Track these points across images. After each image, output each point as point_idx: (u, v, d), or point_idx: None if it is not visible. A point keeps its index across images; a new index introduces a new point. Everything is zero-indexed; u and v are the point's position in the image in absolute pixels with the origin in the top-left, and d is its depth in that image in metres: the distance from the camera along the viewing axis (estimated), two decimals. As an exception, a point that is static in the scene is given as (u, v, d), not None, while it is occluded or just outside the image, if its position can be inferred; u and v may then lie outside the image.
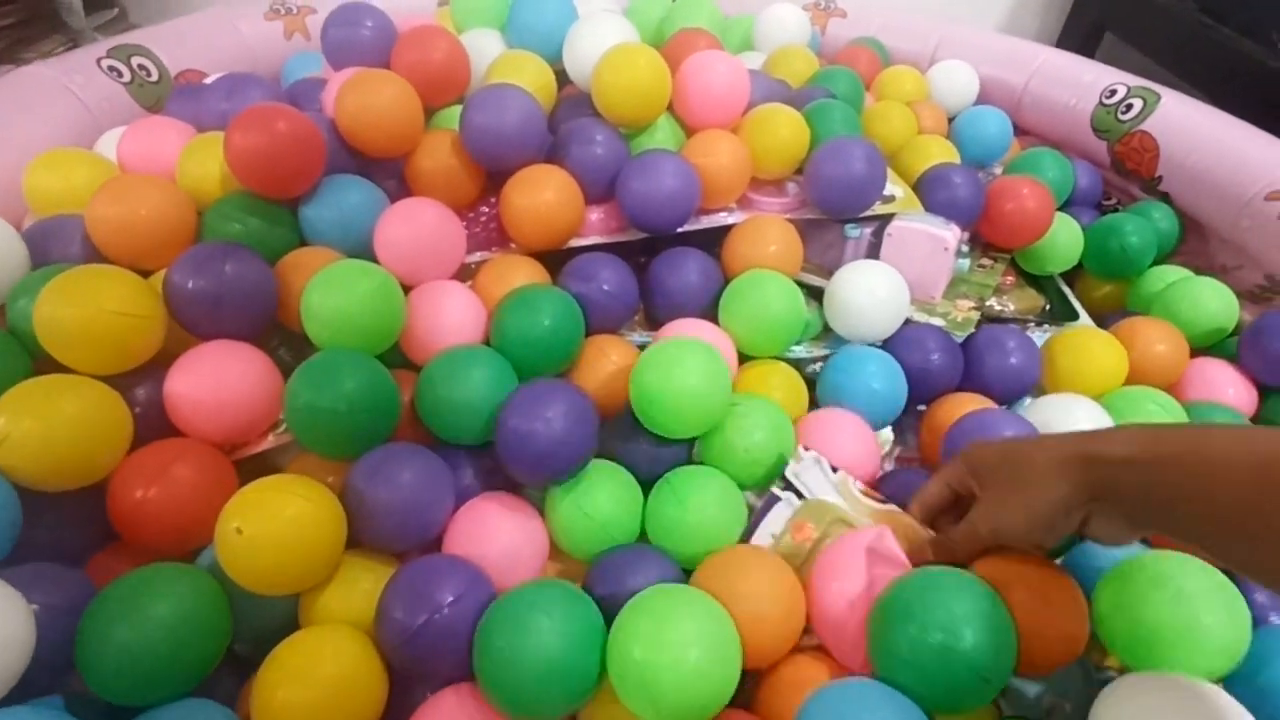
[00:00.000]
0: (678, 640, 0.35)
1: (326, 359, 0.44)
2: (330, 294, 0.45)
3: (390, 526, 0.41)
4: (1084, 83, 0.81)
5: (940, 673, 0.34)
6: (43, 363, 0.45)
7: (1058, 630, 0.36)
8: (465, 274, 0.56)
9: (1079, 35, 1.06)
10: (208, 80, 0.75)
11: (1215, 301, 0.62)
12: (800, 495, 0.46)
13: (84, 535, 0.43)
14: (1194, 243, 0.76)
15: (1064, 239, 0.70)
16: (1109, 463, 0.33)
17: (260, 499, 0.38)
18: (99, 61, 0.71)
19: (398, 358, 0.50)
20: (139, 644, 0.35)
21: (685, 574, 0.43)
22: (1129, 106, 0.77)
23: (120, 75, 0.72)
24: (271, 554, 0.37)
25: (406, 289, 0.50)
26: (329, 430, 0.42)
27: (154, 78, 0.75)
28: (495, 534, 0.43)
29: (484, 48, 0.66)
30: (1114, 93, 0.79)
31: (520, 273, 0.54)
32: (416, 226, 0.51)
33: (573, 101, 0.65)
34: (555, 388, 0.44)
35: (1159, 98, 0.76)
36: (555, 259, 0.56)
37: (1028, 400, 0.58)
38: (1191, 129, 0.73)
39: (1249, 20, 0.80)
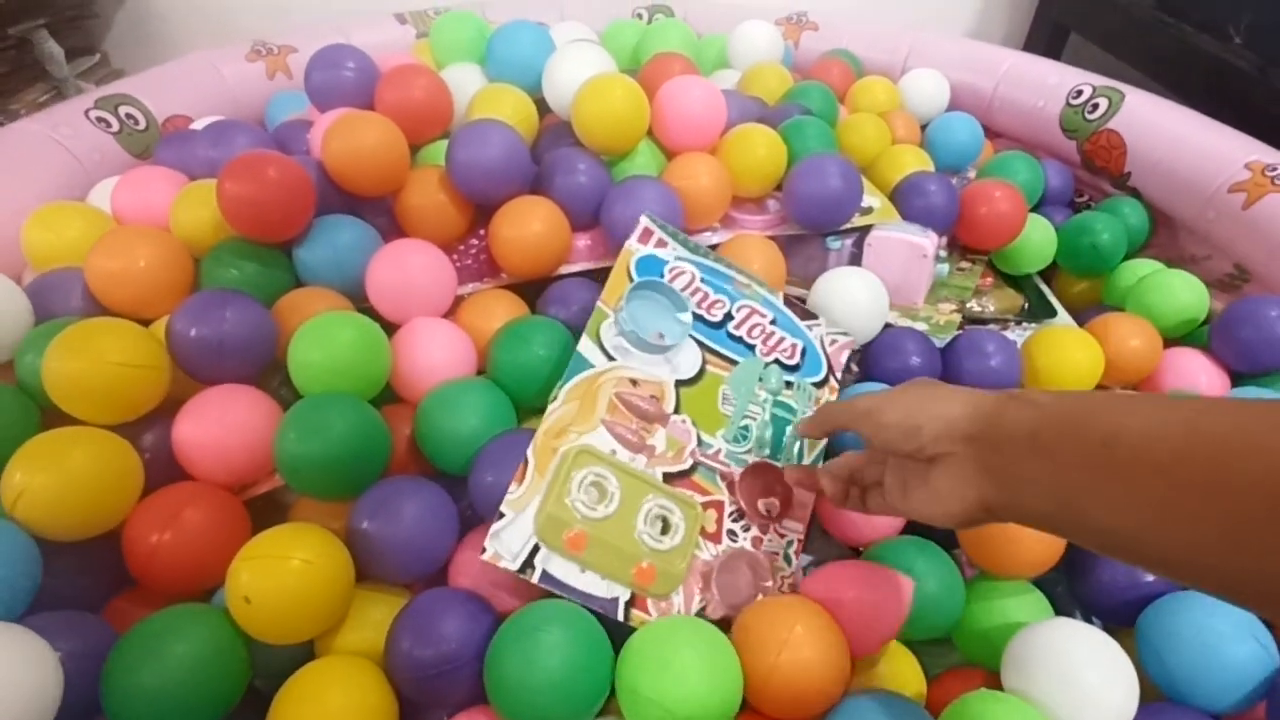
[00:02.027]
0: (680, 670, 0.36)
1: (312, 405, 0.45)
2: (313, 348, 0.47)
3: (395, 561, 0.43)
4: (1050, 85, 0.83)
5: None
6: (51, 415, 0.46)
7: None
8: (459, 303, 0.58)
9: (1045, 35, 1.09)
10: (195, 125, 0.76)
11: (1186, 293, 0.64)
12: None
13: (100, 581, 0.44)
14: (1165, 235, 0.78)
15: (1038, 239, 0.72)
16: (1018, 400, 0.31)
17: (263, 566, 0.39)
18: (87, 113, 0.72)
19: (390, 393, 0.51)
20: (163, 685, 0.36)
21: None
22: (1095, 106, 0.79)
23: (109, 125, 0.73)
24: (281, 617, 0.39)
25: (399, 326, 0.52)
26: (319, 475, 0.44)
27: (141, 125, 0.76)
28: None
29: (465, 82, 0.68)
30: (1080, 93, 0.81)
31: (501, 306, 0.55)
32: (406, 269, 0.53)
33: (555, 130, 0.66)
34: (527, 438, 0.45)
35: (1123, 96, 0.78)
36: (535, 289, 0.58)
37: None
38: (1155, 126, 0.75)
39: (1206, 16, 0.83)
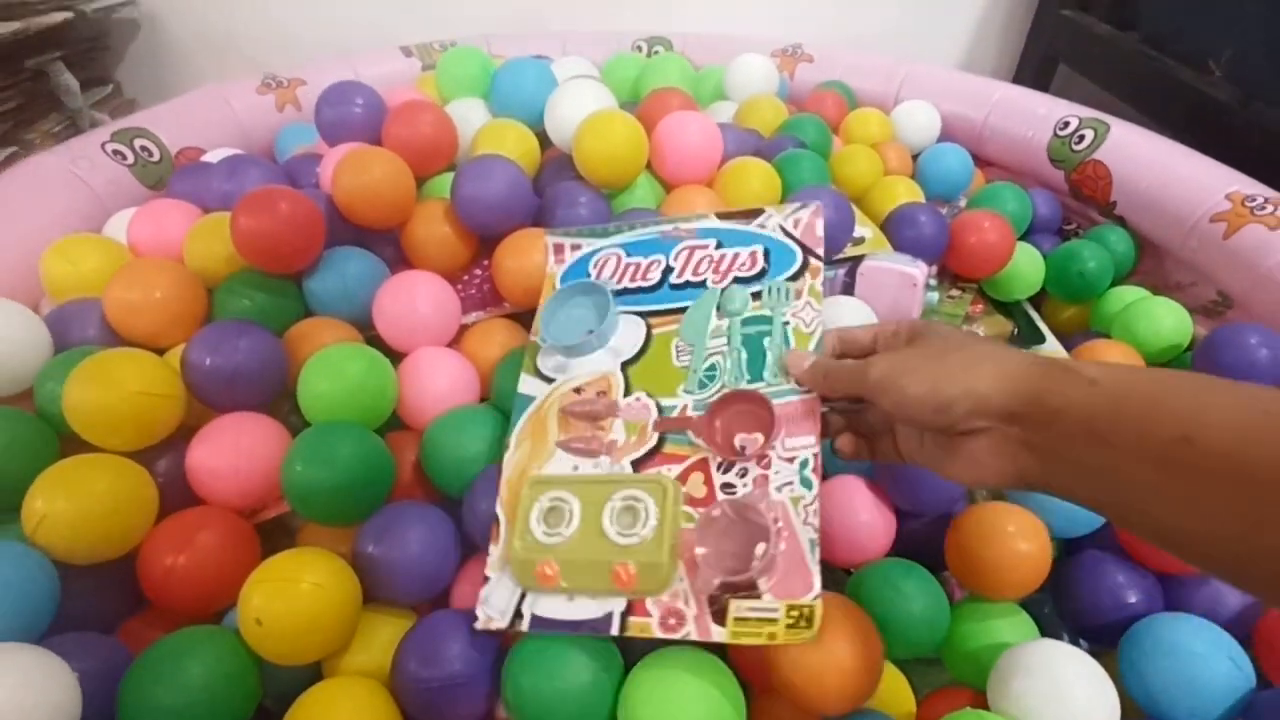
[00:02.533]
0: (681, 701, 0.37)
1: (318, 433, 0.47)
2: (322, 378, 0.49)
3: (400, 583, 0.44)
4: (1038, 116, 0.86)
5: None
6: (69, 441, 0.48)
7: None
8: (463, 332, 0.60)
9: (1034, 67, 1.11)
10: (207, 157, 0.79)
11: (1170, 319, 0.66)
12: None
13: (115, 603, 0.46)
14: (1150, 262, 0.80)
15: (1026, 267, 0.74)
16: (1066, 373, 0.28)
17: (275, 589, 0.40)
18: (103, 146, 0.75)
19: (395, 420, 0.53)
20: (177, 705, 0.37)
21: None
22: (1081, 137, 0.82)
23: (124, 158, 0.76)
24: (291, 639, 0.40)
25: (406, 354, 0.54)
26: (325, 502, 0.45)
27: (155, 157, 0.79)
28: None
29: (469, 116, 0.70)
30: (1067, 124, 0.83)
31: (504, 335, 0.57)
32: (412, 300, 0.55)
33: (557, 163, 0.69)
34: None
35: (1108, 128, 0.80)
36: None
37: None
38: (1140, 157, 0.77)
39: (1187, 50, 0.85)
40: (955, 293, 0.72)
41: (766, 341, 0.43)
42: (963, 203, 0.84)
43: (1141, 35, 0.94)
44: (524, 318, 0.61)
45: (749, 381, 0.42)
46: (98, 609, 0.45)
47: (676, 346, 0.45)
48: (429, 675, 0.40)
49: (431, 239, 0.60)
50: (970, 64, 1.21)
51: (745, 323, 0.45)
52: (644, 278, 0.48)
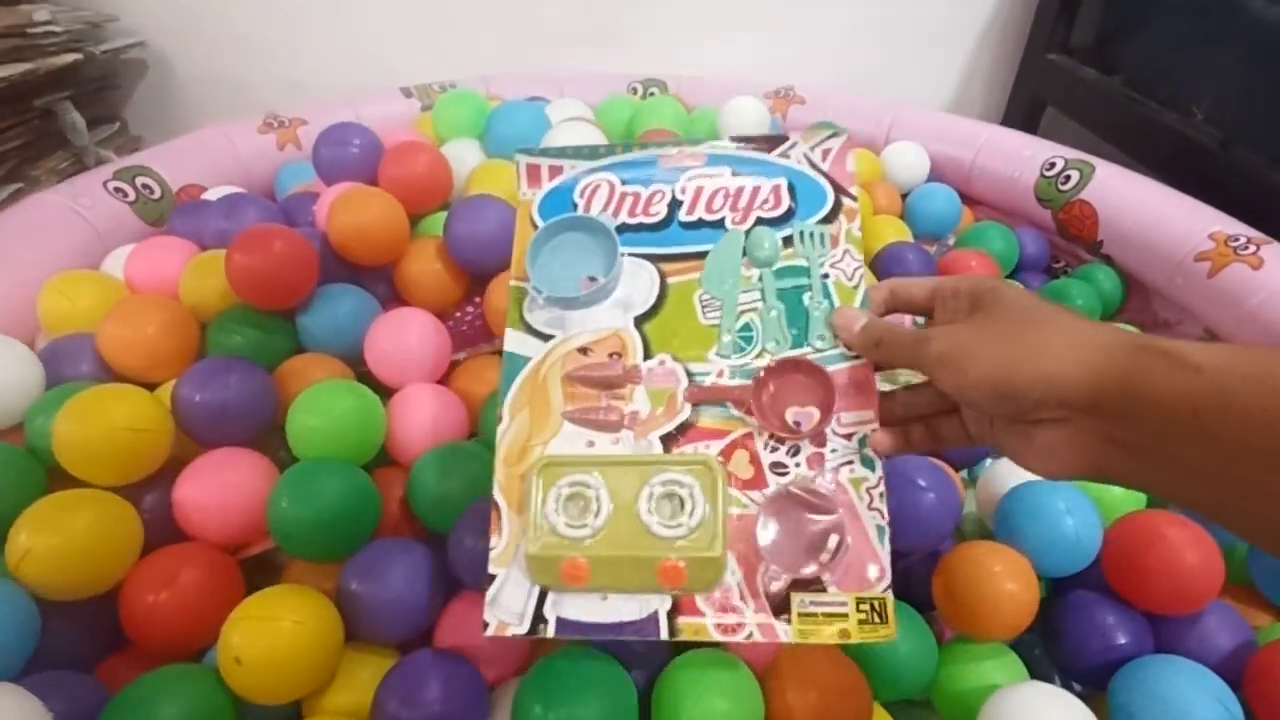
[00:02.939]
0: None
1: (303, 471, 0.47)
2: (311, 414, 0.49)
3: (383, 622, 0.44)
4: (1025, 157, 0.88)
5: None
6: (56, 474, 0.48)
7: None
8: (454, 368, 0.60)
9: (1021, 110, 1.14)
10: (207, 194, 0.80)
11: (1158, 358, 0.67)
12: None
13: (95, 641, 0.45)
14: (1138, 300, 0.81)
15: (1015, 305, 0.74)
16: (1164, 358, 0.25)
17: (255, 627, 0.40)
18: (105, 184, 0.76)
19: (383, 456, 0.53)
20: (153, 747, 0.37)
21: None
22: (1067, 177, 0.83)
23: (125, 195, 0.77)
24: (270, 677, 0.40)
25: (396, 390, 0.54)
26: (310, 539, 0.45)
27: (156, 195, 0.80)
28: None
29: (464, 157, 0.72)
30: (1053, 165, 0.85)
31: (493, 371, 0.58)
32: (402, 337, 0.55)
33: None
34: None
35: (1093, 169, 0.82)
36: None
37: (988, 462, 0.61)
38: (1125, 197, 0.78)
39: (1170, 94, 0.87)
40: (944, 330, 0.73)
41: (806, 298, 0.38)
42: (952, 241, 0.85)
43: (1125, 80, 0.96)
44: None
45: (792, 345, 0.37)
46: (77, 647, 0.44)
47: (701, 300, 0.38)
48: (410, 716, 0.39)
49: (424, 276, 0.61)
50: (959, 107, 1.24)
51: (779, 275, 0.38)
52: (646, 212, 0.40)
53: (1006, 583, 0.45)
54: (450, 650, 0.44)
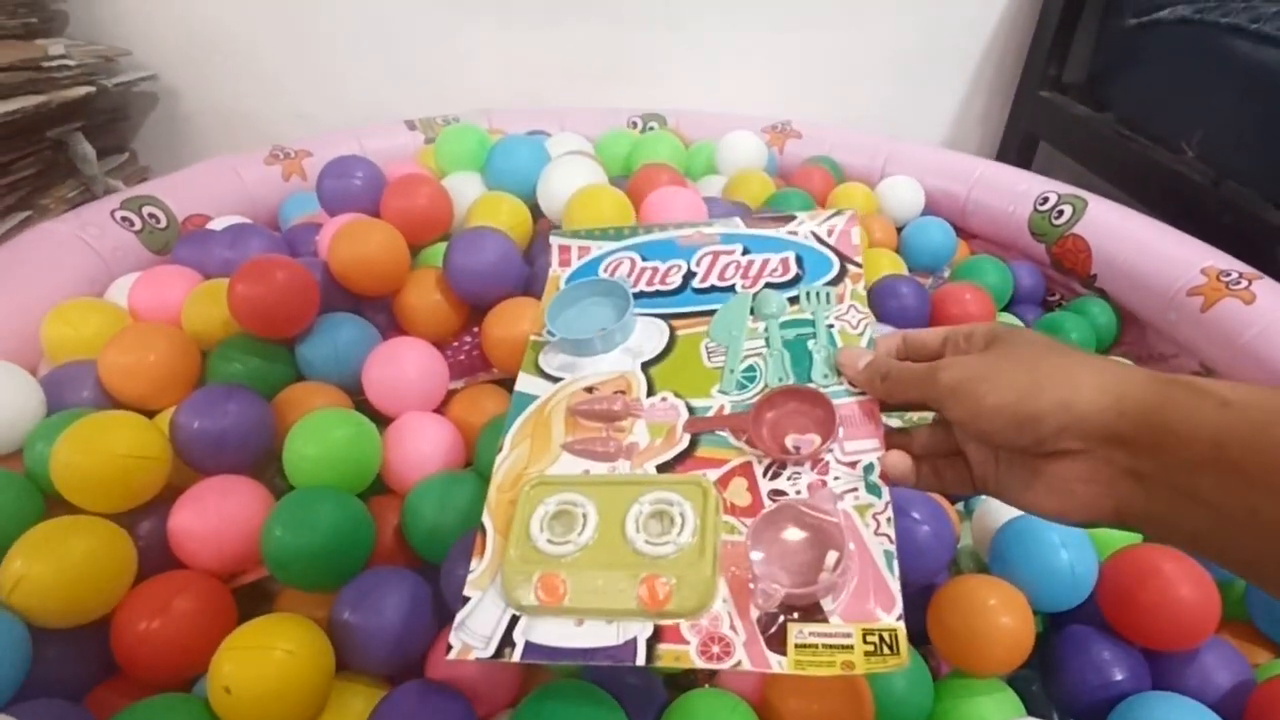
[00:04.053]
0: None
1: (298, 499, 0.47)
2: (307, 443, 0.49)
3: (375, 652, 0.44)
4: (1019, 191, 0.89)
5: None
6: (56, 502, 0.48)
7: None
8: (451, 397, 0.61)
9: (1016, 146, 1.15)
10: (212, 224, 0.81)
11: (1152, 391, 0.67)
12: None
13: (86, 669, 0.45)
14: (1134, 334, 0.81)
15: (1010, 337, 0.75)
16: (1191, 391, 0.24)
17: (246, 656, 0.40)
18: (113, 213, 0.77)
19: (379, 484, 0.53)
20: (139, 778, 0.36)
21: None
22: (1060, 212, 0.84)
23: (132, 225, 0.78)
24: (260, 708, 0.39)
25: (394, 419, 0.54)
26: (303, 568, 0.45)
27: (163, 224, 0.81)
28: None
29: (465, 189, 0.73)
30: (1046, 200, 0.86)
31: (491, 401, 0.58)
32: (400, 366, 0.56)
33: (548, 235, 0.71)
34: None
35: (1086, 204, 0.83)
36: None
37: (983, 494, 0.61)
38: (1117, 231, 0.79)
39: (1160, 131, 0.88)
40: (940, 362, 0.73)
41: (811, 344, 0.38)
42: (947, 274, 0.86)
43: (1116, 116, 0.97)
44: (512, 384, 0.62)
45: (794, 382, 0.37)
46: (67, 675, 0.44)
47: (707, 347, 0.40)
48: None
49: (423, 306, 0.62)
50: (955, 142, 1.26)
51: (784, 326, 0.40)
52: (664, 282, 0.43)
53: (1001, 617, 0.45)
54: (442, 682, 0.43)
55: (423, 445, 0.54)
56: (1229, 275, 0.69)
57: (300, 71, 1.26)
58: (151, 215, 0.81)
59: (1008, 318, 0.75)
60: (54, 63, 1.03)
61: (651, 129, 1.06)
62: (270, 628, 0.41)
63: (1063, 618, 0.49)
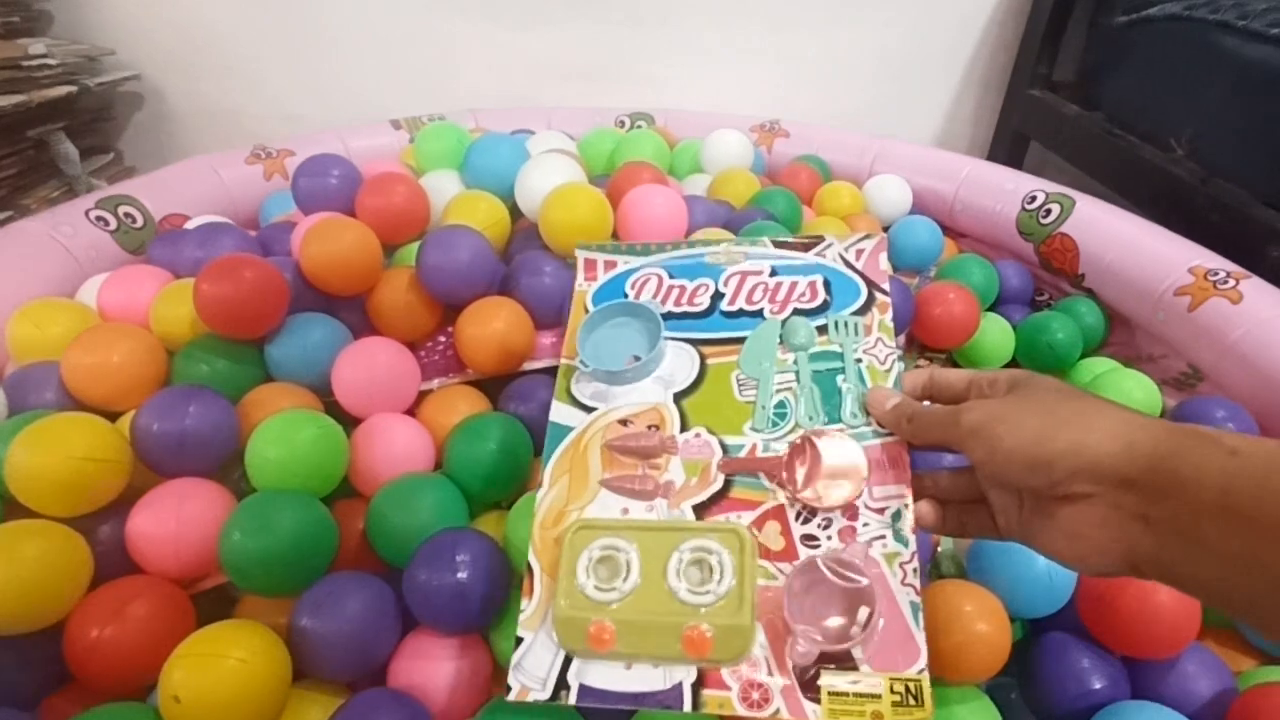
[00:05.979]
0: None
1: (257, 503, 0.46)
2: (271, 444, 0.48)
3: (335, 659, 0.43)
4: (1006, 190, 0.88)
5: None
6: (13, 505, 0.47)
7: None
8: (424, 398, 0.60)
9: (1006, 144, 1.14)
10: (190, 225, 0.80)
11: (1139, 392, 0.66)
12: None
13: (38, 677, 0.44)
14: (1122, 334, 0.80)
15: (996, 338, 0.74)
16: (1201, 439, 0.24)
17: (198, 664, 0.39)
18: (87, 213, 0.77)
19: (345, 487, 0.52)
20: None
21: None
22: (1048, 211, 0.83)
23: (107, 224, 0.77)
24: (211, 718, 0.38)
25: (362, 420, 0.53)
26: (262, 572, 0.44)
27: (139, 224, 0.80)
28: (438, 665, 0.44)
29: (443, 188, 0.72)
30: (1034, 199, 0.85)
31: (464, 402, 0.57)
32: (370, 367, 0.55)
33: (526, 233, 0.70)
34: (462, 537, 0.45)
35: (1074, 203, 0.82)
36: (501, 385, 0.59)
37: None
38: (1105, 230, 0.78)
39: (1149, 129, 0.87)
40: (923, 362, 0.72)
41: (840, 380, 0.39)
42: (933, 273, 0.85)
43: (1106, 115, 0.96)
44: (485, 384, 0.61)
45: (825, 422, 0.38)
46: (19, 683, 0.43)
47: (738, 379, 0.40)
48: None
49: (396, 306, 0.61)
50: (945, 142, 1.25)
51: (813, 358, 0.40)
52: (691, 302, 0.44)
53: (978, 623, 0.44)
54: (402, 690, 0.42)
55: (391, 447, 0.53)
56: (1216, 275, 0.68)
57: (288, 72, 1.25)
58: (128, 215, 0.80)
59: (995, 318, 0.74)
60: (34, 62, 1.02)
61: (639, 127, 1.05)
62: (223, 635, 0.40)
63: (1042, 624, 0.48)
